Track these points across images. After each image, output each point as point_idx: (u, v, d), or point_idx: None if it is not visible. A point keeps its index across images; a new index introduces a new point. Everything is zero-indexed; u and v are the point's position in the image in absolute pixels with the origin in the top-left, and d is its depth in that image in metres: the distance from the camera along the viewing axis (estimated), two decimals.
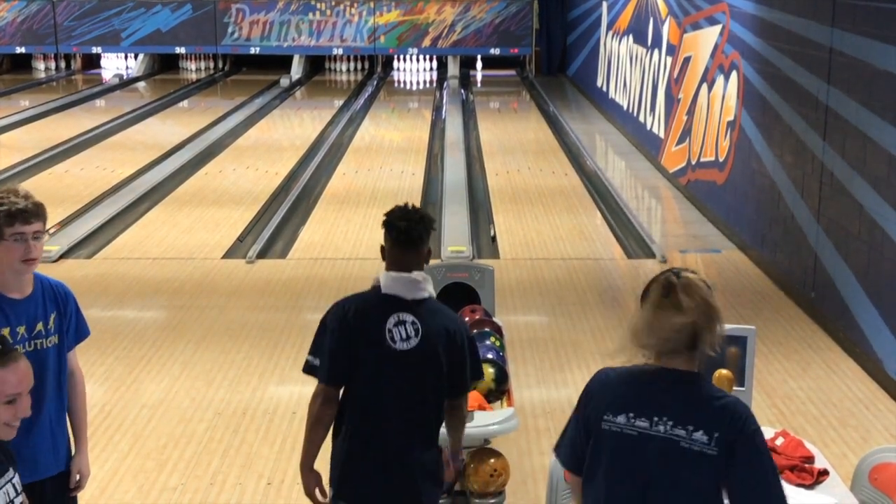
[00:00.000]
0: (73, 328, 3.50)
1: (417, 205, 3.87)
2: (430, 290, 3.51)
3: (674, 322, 2.59)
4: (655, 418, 2.61)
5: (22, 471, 3.33)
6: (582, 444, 2.74)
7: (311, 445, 3.51)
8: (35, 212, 3.30)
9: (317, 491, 3.54)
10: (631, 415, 2.63)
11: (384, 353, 3.41)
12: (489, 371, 4.69)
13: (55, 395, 3.45)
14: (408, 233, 3.47)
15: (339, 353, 3.44)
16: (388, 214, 3.54)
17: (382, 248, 3.56)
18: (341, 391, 3.52)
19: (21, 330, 3.32)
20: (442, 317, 3.50)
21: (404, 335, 3.42)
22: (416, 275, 3.46)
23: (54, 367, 3.42)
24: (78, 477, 3.57)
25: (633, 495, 2.64)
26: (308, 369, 3.53)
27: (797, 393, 6.24)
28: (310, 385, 3.55)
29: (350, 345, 3.43)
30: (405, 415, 3.46)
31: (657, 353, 2.65)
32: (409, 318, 3.43)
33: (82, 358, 3.40)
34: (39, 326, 3.36)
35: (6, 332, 3.26)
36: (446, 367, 3.45)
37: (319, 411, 3.48)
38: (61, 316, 3.44)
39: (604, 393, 2.70)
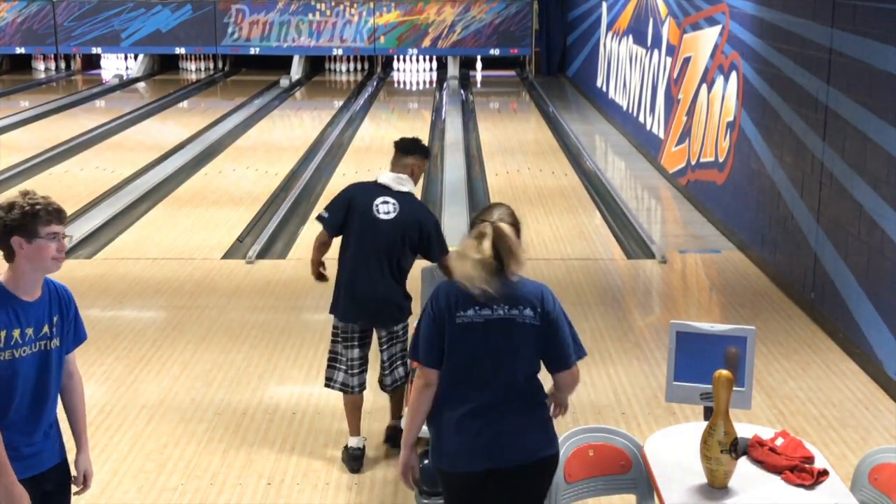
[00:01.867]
0: (73, 331, 3.56)
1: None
2: (409, 188, 5.18)
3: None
4: (494, 306, 3.56)
5: (24, 467, 3.38)
6: (437, 339, 3.59)
7: (314, 261, 5.34)
8: (65, 214, 3.55)
9: (319, 269, 5.36)
10: (476, 308, 3.56)
11: (371, 219, 5.10)
12: None
13: (55, 396, 3.53)
14: (403, 141, 5.28)
15: (340, 212, 5.17)
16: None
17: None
18: (339, 244, 5.24)
19: (29, 331, 3.37)
20: (415, 207, 5.19)
21: (386, 210, 5.10)
22: (402, 176, 5.18)
23: (56, 368, 3.49)
24: (84, 476, 3.64)
25: (485, 367, 3.57)
26: (319, 219, 5.24)
27: (797, 393, 6.24)
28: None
29: (349, 210, 5.14)
30: (380, 263, 5.10)
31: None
32: (391, 200, 5.12)
33: (82, 358, 3.44)
34: (45, 329, 3.42)
35: (17, 333, 3.32)
36: (416, 240, 5.08)
37: (319, 248, 5.30)
38: (63, 319, 3.51)
39: (451, 297, 3.59)
